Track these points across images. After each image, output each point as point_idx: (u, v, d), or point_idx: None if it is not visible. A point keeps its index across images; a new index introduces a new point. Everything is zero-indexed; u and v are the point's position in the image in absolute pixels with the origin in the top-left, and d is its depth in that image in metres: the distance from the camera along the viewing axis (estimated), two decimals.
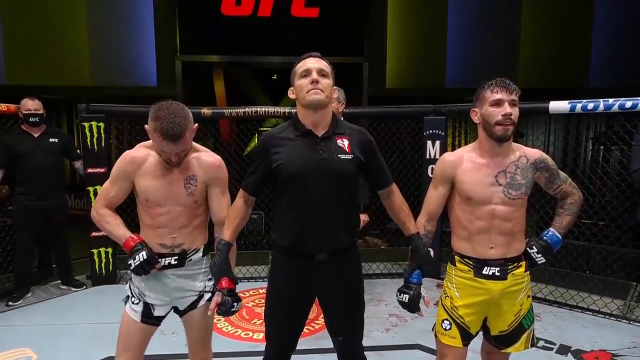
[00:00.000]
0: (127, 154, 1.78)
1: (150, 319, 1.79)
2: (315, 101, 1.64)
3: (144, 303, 1.79)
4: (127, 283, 1.86)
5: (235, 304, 1.70)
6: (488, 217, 1.71)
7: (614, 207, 3.84)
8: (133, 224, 1.88)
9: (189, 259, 1.80)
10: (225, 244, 1.74)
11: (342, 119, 2.07)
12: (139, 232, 1.80)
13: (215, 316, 1.73)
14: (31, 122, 3.64)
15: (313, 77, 1.64)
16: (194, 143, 1.80)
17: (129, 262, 1.71)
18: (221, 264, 1.72)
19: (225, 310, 1.69)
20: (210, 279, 1.85)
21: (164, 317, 1.84)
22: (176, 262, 1.77)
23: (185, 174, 1.75)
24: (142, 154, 1.76)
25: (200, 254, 1.83)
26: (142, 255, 1.69)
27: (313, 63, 1.67)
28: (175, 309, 1.86)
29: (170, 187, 1.73)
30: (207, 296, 1.83)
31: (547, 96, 3.49)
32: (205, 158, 1.80)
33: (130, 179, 1.75)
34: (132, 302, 1.80)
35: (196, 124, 1.72)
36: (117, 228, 1.78)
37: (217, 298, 1.69)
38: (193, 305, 1.82)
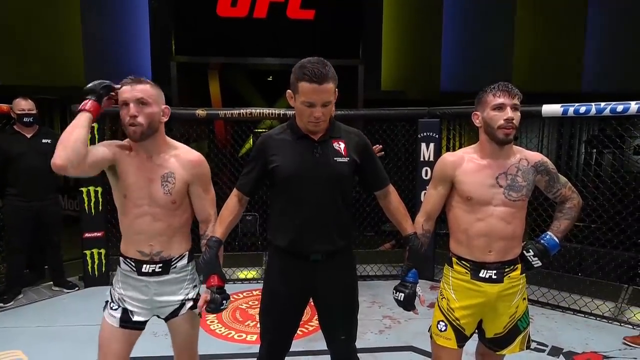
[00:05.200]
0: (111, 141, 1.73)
1: (129, 323, 1.72)
2: (314, 132, 1.68)
3: (122, 309, 1.73)
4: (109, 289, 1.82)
5: (224, 301, 1.68)
6: (487, 219, 1.71)
7: (606, 210, 3.88)
8: (119, 234, 1.81)
9: (173, 266, 1.74)
10: (217, 240, 1.72)
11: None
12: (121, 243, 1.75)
13: (207, 317, 1.71)
14: (25, 122, 3.61)
15: (315, 115, 1.60)
16: (172, 140, 1.76)
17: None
18: (210, 260, 1.69)
19: (215, 307, 1.67)
20: (195, 287, 1.81)
21: (145, 322, 1.78)
22: (160, 269, 1.72)
23: (162, 172, 1.68)
24: (124, 143, 1.71)
25: (185, 260, 1.77)
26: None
27: (318, 93, 1.57)
28: (158, 316, 1.81)
29: (147, 186, 1.66)
30: (189, 304, 1.77)
31: (540, 100, 3.51)
32: (184, 155, 1.73)
33: (112, 155, 1.65)
34: (111, 308, 1.74)
35: (166, 106, 1.70)
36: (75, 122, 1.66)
37: (205, 295, 1.67)
38: (175, 313, 1.77)
